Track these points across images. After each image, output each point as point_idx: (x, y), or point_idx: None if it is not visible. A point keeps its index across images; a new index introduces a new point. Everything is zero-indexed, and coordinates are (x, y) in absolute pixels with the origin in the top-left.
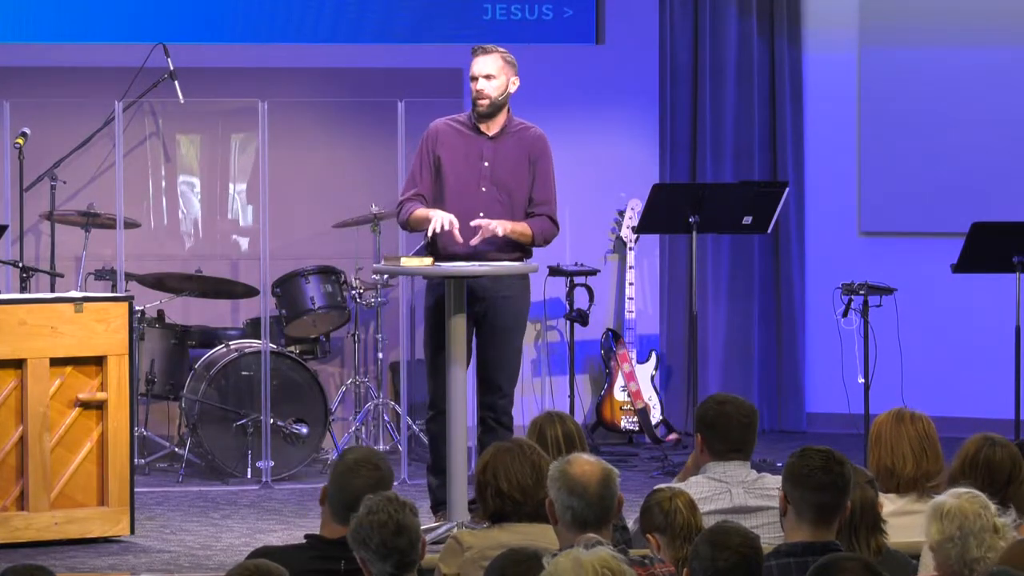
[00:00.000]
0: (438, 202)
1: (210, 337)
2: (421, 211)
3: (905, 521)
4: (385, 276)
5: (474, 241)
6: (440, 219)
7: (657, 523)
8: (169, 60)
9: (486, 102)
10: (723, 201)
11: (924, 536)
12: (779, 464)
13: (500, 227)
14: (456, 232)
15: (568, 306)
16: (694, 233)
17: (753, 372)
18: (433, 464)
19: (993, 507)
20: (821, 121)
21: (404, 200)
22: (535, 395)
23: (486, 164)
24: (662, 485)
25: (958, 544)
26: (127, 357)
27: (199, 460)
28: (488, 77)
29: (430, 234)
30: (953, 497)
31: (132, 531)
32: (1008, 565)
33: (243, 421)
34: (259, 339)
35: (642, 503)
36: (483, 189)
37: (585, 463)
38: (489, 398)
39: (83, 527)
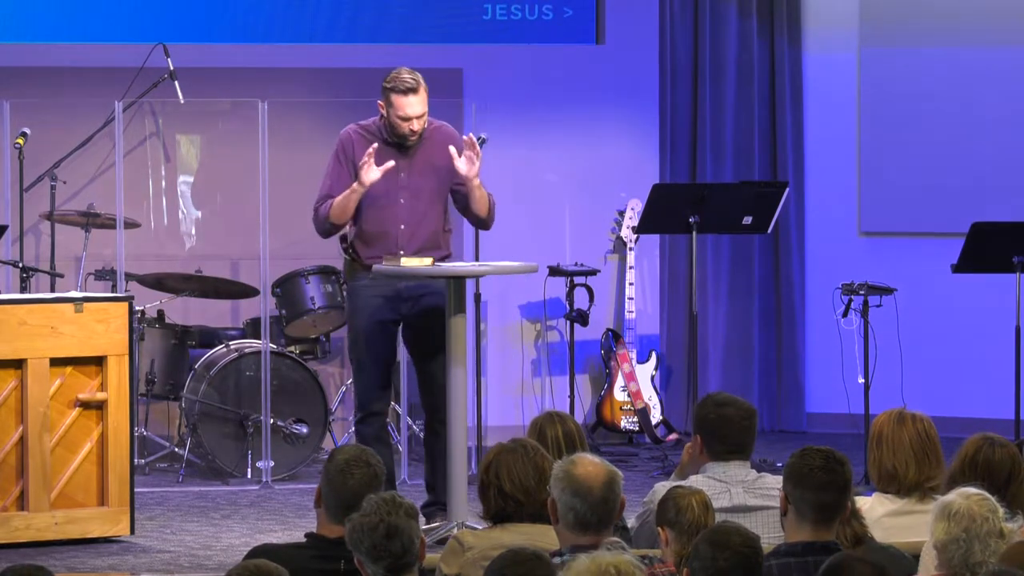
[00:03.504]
0: (356, 214)
1: (210, 337)
2: (337, 198)
3: (905, 521)
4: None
5: (463, 158)
6: (363, 162)
7: (669, 517)
8: (169, 60)
9: (415, 137)
10: (723, 201)
11: (924, 536)
12: (779, 464)
13: (478, 163)
14: (376, 164)
15: (568, 306)
16: (694, 233)
17: (753, 372)
18: None
19: (1001, 511)
20: (821, 121)
21: (318, 207)
22: (535, 395)
23: (403, 175)
24: (666, 482)
25: (962, 547)
26: (127, 357)
27: (199, 460)
28: (420, 117)
29: (365, 180)
30: (962, 497)
31: (132, 531)
32: (1009, 565)
33: (243, 421)
34: (259, 339)
35: (660, 497)
36: (401, 201)
37: (590, 464)
38: (429, 399)
39: (83, 527)
